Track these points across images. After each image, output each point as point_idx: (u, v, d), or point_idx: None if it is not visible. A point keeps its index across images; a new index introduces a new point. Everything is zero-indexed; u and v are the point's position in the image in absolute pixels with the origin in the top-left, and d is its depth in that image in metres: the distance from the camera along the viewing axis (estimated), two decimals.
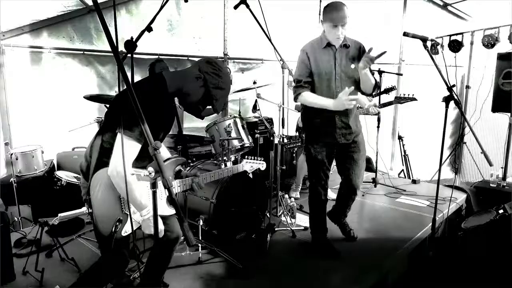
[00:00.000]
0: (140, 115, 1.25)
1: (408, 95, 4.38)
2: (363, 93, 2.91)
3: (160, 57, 4.65)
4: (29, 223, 3.70)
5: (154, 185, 1.23)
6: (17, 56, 4.05)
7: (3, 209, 3.88)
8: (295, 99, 2.90)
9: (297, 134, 4.53)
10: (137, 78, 4.63)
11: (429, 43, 2.65)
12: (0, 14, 3.62)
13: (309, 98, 2.81)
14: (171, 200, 1.17)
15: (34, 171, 3.72)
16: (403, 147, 6.19)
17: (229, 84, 2.01)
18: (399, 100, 4.45)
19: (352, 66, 2.79)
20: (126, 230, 1.83)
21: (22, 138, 4.07)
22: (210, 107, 2.00)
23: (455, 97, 2.49)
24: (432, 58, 2.53)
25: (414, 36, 2.61)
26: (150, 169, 1.22)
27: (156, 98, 1.81)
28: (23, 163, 3.69)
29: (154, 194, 1.23)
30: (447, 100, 2.53)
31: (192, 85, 1.92)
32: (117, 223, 1.76)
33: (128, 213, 1.80)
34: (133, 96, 1.25)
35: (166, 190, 1.20)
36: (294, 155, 5.01)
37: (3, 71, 3.99)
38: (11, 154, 3.66)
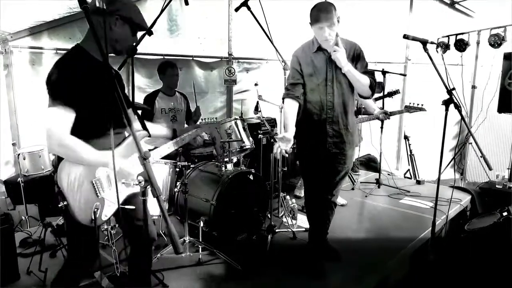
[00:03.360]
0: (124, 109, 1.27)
1: (418, 104, 4.33)
2: (361, 97, 2.77)
3: (166, 57, 4.68)
4: (36, 222, 3.77)
5: (144, 194, 1.25)
6: (24, 57, 4.12)
7: (11, 208, 3.99)
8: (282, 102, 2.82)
9: None
10: (142, 79, 4.73)
11: (430, 46, 2.63)
12: (4, 15, 3.67)
13: (285, 108, 2.69)
14: (160, 209, 1.18)
15: (41, 170, 3.78)
16: (409, 147, 6.15)
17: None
18: (409, 109, 4.41)
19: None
20: (106, 214, 1.82)
21: (29, 138, 4.14)
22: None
23: (455, 100, 2.47)
24: (433, 62, 2.51)
25: (414, 39, 2.59)
26: (140, 178, 1.25)
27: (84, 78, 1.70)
28: (30, 163, 3.75)
29: (144, 202, 1.25)
30: (446, 103, 2.51)
31: (118, 31, 1.82)
32: (95, 209, 1.75)
33: (104, 196, 1.80)
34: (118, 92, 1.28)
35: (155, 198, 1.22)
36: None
37: (11, 72, 4.06)
38: (19, 154, 3.73)
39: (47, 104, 1.71)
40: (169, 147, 2.30)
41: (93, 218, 1.73)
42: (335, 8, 2.52)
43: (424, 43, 2.56)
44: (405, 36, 2.60)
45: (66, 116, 1.67)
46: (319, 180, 2.83)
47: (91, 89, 1.70)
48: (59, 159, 1.75)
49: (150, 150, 2.23)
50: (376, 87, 2.72)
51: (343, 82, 2.64)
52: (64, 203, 1.68)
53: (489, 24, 4.98)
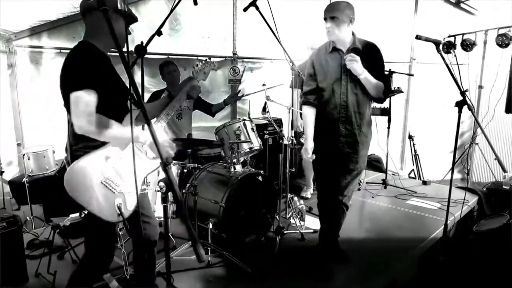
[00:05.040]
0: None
1: (395, 88, 4.35)
2: (374, 99, 2.76)
3: (170, 57, 4.66)
4: (41, 222, 3.74)
5: (165, 200, 1.23)
6: (28, 57, 4.09)
7: (15, 208, 3.96)
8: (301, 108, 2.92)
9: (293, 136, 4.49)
10: (146, 78, 4.70)
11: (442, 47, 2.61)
12: (7, 15, 3.63)
13: (304, 115, 2.80)
14: (181, 217, 1.16)
15: (46, 170, 3.76)
16: (414, 146, 6.12)
17: None
18: None
19: None
20: (131, 204, 1.86)
21: (34, 138, 4.11)
22: None
23: (468, 102, 2.45)
24: (446, 64, 2.48)
25: (427, 40, 2.56)
26: (161, 184, 1.22)
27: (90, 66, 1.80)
28: (35, 163, 3.72)
29: (165, 208, 1.23)
30: (460, 105, 2.48)
31: (118, 24, 1.87)
32: (119, 204, 1.78)
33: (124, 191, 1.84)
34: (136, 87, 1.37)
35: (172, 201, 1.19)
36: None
37: (15, 71, 4.03)
38: (23, 154, 3.70)
39: (70, 90, 1.76)
40: (174, 105, 2.28)
41: (118, 213, 1.78)
42: (349, 8, 2.57)
43: (437, 44, 2.53)
44: (418, 37, 2.57)
45: (91, 97, 1.75)
46: (331, 180, 2.83)
47: (103, 77, 1.81)
48: (63, 168, 1.78)
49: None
50: (388, 91, 2.73)
51: (358, 82, 2.63)
52: (85, 212, 1.71)
53: (496, 23, 4.94)
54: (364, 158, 2.86)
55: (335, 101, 2.68)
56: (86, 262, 2.07)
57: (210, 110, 4.18)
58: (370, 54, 2.64)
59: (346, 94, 2.65)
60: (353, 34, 2.65)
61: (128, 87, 1.53)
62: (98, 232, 1.93)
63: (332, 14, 2.55)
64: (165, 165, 1.19)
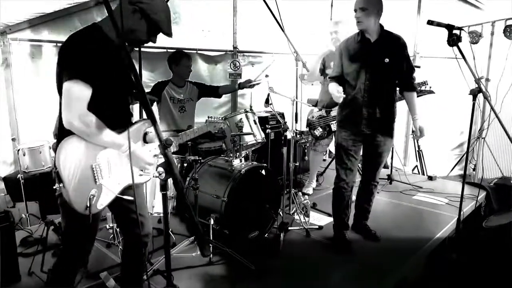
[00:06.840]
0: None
1: (425, 87, 4.24)
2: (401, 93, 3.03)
3: (169, 50, 4.54)
4: (37, 220, 3.63)
5: (164, 188, 1.11)
6: (23, 50, 3.97)
7: (11, 205, 3.85)
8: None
9: (308, 129, 4.40)
10: (145, 72, 4.58)
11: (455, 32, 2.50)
12: (2, 7, 3.52)
13: (330, 86, 2.95)
14: (183, 205, 1.04)
15: (42, 167, 3.66)
16: (417, 142, 6.01)
17: (164, 2, 1.87)
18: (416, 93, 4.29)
19: (386, 60, 2.77)
20: (102, 202, 1.74)
21: (29, 134, 4.00)
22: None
23: (483, 89, 2.34)
24: (460, 51, 2.38)
25: (439, 25, 2.47)
26: (160, 169, 1.10)
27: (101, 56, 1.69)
28: (31, 159, 3.62)
29: (165, 196, 1.11)
30: (474, 93, 2.37)
31: (132, 21, 1.76)
32: (91, 196, 1.66)
33: (102, 183, 1.73)
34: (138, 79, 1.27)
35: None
36: (306, 150, 4.89)
37: (10, 65, 3.92)
38: (18, 150, 3.59)
39: (63, 78, 1.64)
40: None
41: (88, 205, 1.65)
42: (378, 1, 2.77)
43: (449, 28, 2.43)
44: (430, 22, 2.48)
45: (85, 92, 1.63)
46: (350, 159, 3.01)
47: (105, 68, 1.69)
48: (59, 139, 1.70)
49: None
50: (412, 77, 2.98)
51: (381, 70, 2.80)
52: (60, 185, 1.60)
53: (504, 15, 4.83)
54: (390, 141, 3.05)
55: (359, 87, 2.84)
56: (64, 255, 1.94)
57: (217, 92, 4.09)
58: (397, 48, 2.85)
59: (370, 81, 2.81)
60: (381, 25, 2.83)
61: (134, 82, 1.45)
62: (70, 223, 1.80)
63: (361, 5, 2.72)
64: (164, 148, 1.08)
